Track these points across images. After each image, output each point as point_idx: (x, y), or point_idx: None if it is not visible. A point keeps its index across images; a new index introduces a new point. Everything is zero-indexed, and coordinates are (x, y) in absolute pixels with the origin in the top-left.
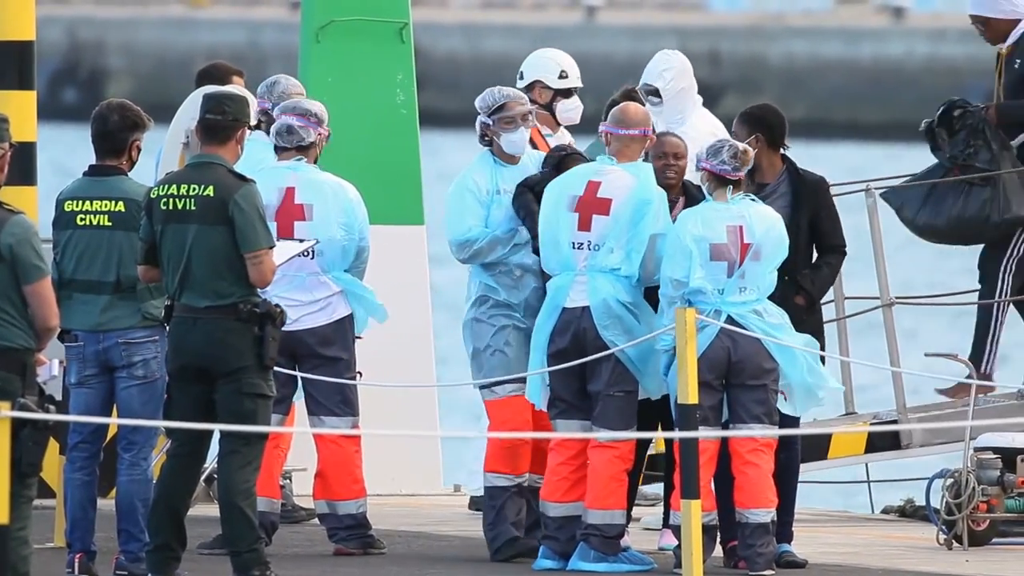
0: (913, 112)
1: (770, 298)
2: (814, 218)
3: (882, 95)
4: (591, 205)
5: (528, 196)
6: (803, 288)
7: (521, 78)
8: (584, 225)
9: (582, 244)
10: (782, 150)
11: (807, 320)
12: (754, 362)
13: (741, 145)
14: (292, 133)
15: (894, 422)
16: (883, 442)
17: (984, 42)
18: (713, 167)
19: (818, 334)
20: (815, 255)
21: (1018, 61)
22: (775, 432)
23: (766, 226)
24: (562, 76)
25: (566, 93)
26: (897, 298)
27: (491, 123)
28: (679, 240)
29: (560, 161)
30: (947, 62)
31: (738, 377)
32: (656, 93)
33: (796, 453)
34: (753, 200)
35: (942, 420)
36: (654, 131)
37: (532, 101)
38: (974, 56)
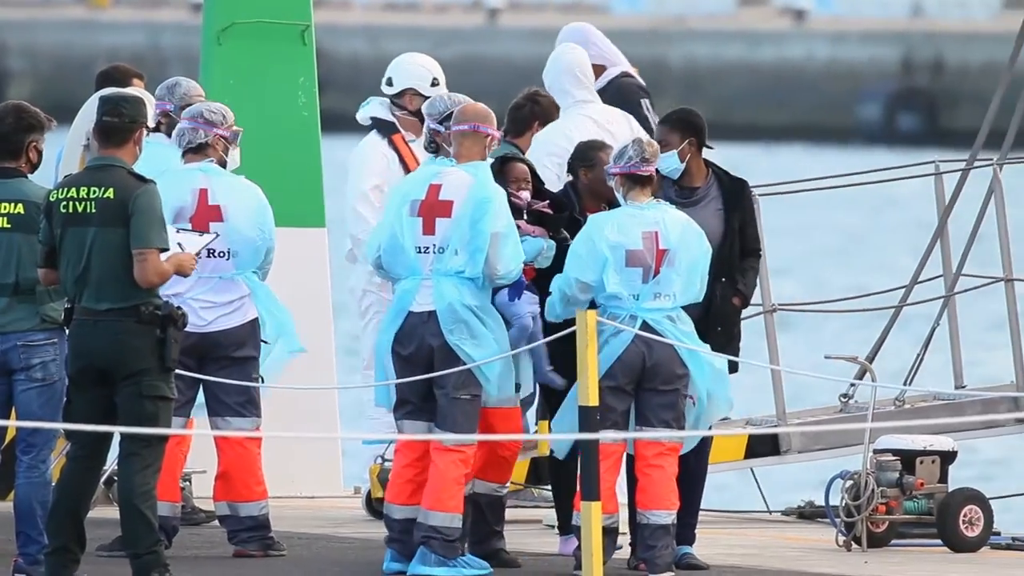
0: (814, 114)
1: (710, 300)
2: (741, 221)
3: (783, 97)
4: (434, 208)
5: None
6: (739, 290)
7: (390, 84)
8: (428, 229)
9: (427, 248)
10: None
11: (737, 323)
12: (668, 368)
13: (642, 140)
14: (182, 135)
15: (774, 427)
16: (763, 447)
17: (883, 45)
18: (623, 168)
19: (739, 338)
20: None
21: None
22: (671, 434)
23: (680, 232)
24: (434, 83)
25: None
26: (779, 305)
27: (442, 130)
28: (591, 243)
29: (501, 164)
30: (847, 65)
31: (651, 382)
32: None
33: (706, 457)
34: (668, 205)
35: (825, 425)
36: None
37: (401, 107)
38: (874, 59)
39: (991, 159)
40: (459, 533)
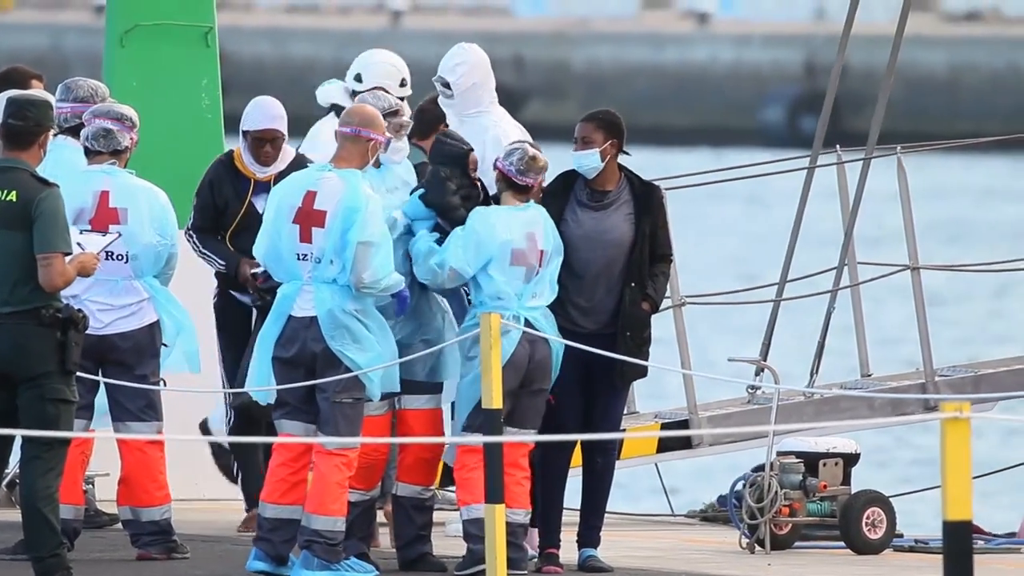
0: (717, 117)
1: (619, 305)
2: (651, 225)
3: (687, 100)
4: (310, 217)
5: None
6: (648, 295)
7: (358, 80)
8: (305, 237)
9: (306, 255)
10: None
11: (647, 328)
12: (545, 367)
13: (531, 151)
14: (108, 137)
15: (685, 422)
16: (674, 442)
17: (787, 48)
18: (504, 167)
19: (649, 342)
20: None
21: None
22: (594, 436)
23: (554, 232)
24: (403, 84)
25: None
26: (687, 297)
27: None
28: (477, 235)
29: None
30: (751, 67)
31: (531, 383)
32: (448, 86)
33: (611, 459)
34: (541, 208)
35: (736, 422)
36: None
37: None
38: (777, 62)
39: (893, 148)
40: (342, 537)
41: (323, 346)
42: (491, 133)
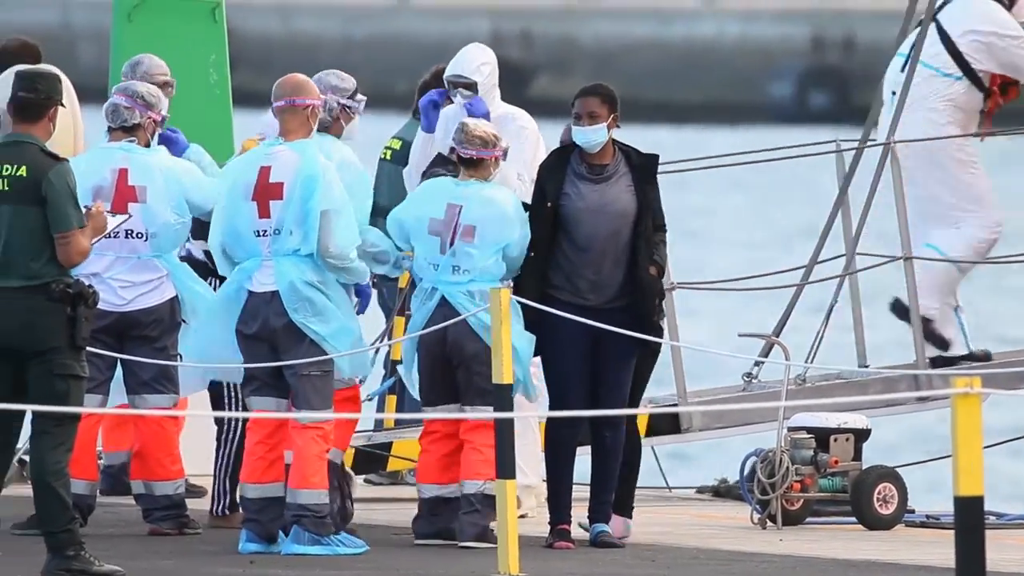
0: (725, 93)
1: (636, 276)
2: (649, 196)
3: (694, 76)
4: (266, 191)
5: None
6: (654, 260)
7: None
8: (264, 212)
9: (264, 231)
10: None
11: (655, 296)
12: (461, 346)
13: (465, 121)
14: (116, 113)
15: (675, 405)
16: (663, 425)
17: (794, 23)
18: (454, 143)
19: (661, 314)
20: None
21: None
22: (592, 413)
23: (486, 209)
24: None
25: None
26: (678, 283)
27: (355, 106)
28: (408, 202)
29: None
30: (758, 43)
31: (450, 361)
32: (471, 87)
33: (620, 433)
34: (488, 185)
35: (734, 403)
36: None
37: None
38: (785, 37)
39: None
40: (327, 509)
41: (285, 320)
42: (514, 125)
